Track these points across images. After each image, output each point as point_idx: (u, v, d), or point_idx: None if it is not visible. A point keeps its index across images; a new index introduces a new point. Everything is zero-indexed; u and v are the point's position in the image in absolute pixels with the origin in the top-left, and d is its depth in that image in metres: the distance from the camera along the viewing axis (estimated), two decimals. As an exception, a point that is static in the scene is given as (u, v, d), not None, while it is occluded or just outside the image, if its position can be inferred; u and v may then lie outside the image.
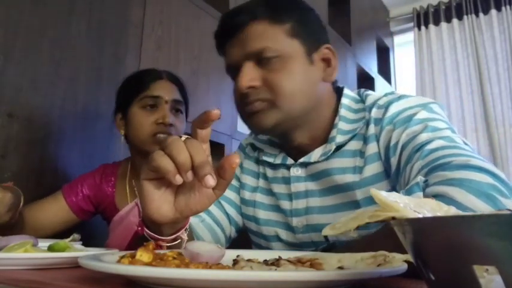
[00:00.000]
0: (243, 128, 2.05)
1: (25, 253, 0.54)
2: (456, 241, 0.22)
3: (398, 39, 3.96)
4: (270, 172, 0.86)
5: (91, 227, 1.26)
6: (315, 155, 0.78)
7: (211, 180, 0.46)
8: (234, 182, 0.90)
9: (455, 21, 3.44)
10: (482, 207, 0.46)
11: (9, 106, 1.12)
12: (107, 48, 1.42)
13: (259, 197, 0.86)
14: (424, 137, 0.64)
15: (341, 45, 2.79)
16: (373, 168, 0.72)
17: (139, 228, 0.57)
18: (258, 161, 0.89)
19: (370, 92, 0.82)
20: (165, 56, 1.59)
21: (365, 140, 0.75)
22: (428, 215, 0.27)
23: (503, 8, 3.26)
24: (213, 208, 0.85)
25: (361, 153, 0.75)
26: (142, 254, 0.38)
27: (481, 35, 3.31)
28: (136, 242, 0.57)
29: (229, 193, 0.88)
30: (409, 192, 0.53)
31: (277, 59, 0.72)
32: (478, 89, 3.28)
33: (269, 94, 0.72)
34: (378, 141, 0.73)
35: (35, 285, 0.40)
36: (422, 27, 3.58)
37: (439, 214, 0.28)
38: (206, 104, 1.74)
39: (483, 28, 3.31)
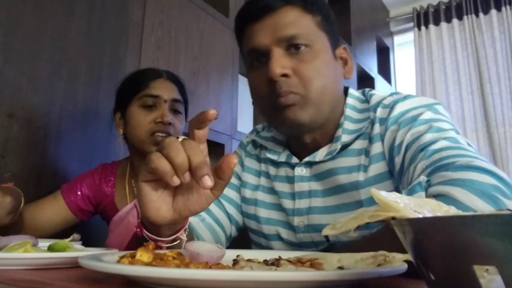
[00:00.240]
0: (243, 128, 2.05)
1: (25, 253, 0.54)
2: (456, 241, 0.22)
3: (398, 39, 3.96)
4: (272, 170, 0.85)
5: (91, 227, 1.26)
6: (320, 154, 0.77)
7: (208, 181, 0.46)
8: (234, 181, 0.89)
9: (455, 21, 3.44)
10: (484, 207, 0.46)
11: (9, 106, 1.12)
12: (107, 48, 1.42)
13: (261, 195, 0.85)
14: (428, 137, 0.64)
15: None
16: (378, 167, 0.72)
17: (138, 230, 0.57)
18: (260, 159, 0.89)
19: (374, 92, 0.82)
20: (165, 56, 1.59)
21: (370, 139, 0.75)
22: (429, 215, 0.27)
23: (503, 8, 3.26)
24: (213, 207, 0.85)
25: (366, 152, 0.75)
26: (142, 254, 0.38)
27: (481, 35, 3.31)
28: (135, 243, 0.57)
29: (229, 192, 0.88)
30: (411, 192, 0.53)
31: (308, 48, 0.72)
32: (478, 89, 3.28)
33: (301, 88, 0.71)
34: (382, 140, 0.73)
35: (35, 285, 0.40)
36: (422, 27, 3.58)
37: (439, 214, 0.28)
38: (206, 104, 1.74)
39: (483, 28, 3.31)
